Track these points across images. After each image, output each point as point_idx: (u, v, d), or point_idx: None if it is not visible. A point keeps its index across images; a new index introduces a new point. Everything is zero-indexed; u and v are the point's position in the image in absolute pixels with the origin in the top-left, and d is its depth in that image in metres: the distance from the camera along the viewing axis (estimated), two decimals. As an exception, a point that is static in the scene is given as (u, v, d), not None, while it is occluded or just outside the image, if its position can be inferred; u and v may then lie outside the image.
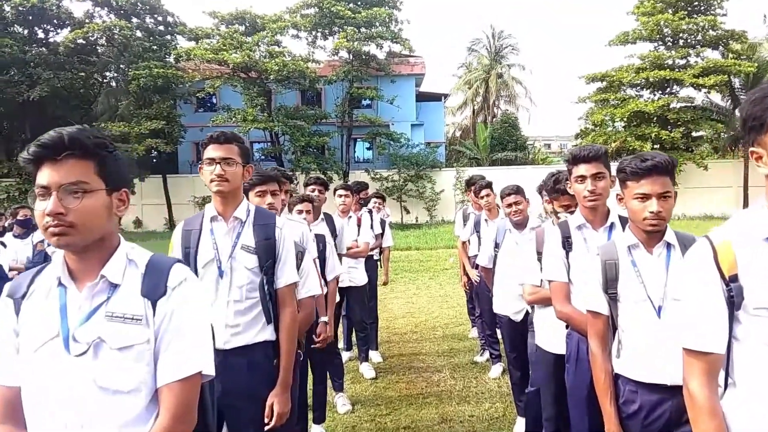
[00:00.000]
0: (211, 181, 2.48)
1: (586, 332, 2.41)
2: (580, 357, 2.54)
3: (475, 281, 5.65)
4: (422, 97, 32.23)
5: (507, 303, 4.08)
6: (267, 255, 2.52)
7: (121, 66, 29.00)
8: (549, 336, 3.02)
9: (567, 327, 2.67)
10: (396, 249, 16.92)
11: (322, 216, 4.59)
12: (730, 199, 26.98)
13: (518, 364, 4.15)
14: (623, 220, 2.65)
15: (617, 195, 2.29)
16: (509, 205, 4.13)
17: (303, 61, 26.13)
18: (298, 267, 2.84)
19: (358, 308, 5.42)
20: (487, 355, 5.89)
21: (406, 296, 9.70)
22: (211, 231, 2.56)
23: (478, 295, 5.68)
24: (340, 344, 5.94)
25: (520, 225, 4.12)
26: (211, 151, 2.49)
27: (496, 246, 4.23)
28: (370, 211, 6.19)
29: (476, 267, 5.69)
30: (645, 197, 2.11)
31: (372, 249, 6.03)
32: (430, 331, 7.06)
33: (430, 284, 10.96)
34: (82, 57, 30.17)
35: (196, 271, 2.48)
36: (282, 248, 2.57)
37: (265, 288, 2.51)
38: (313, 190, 4.51)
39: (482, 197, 5.45)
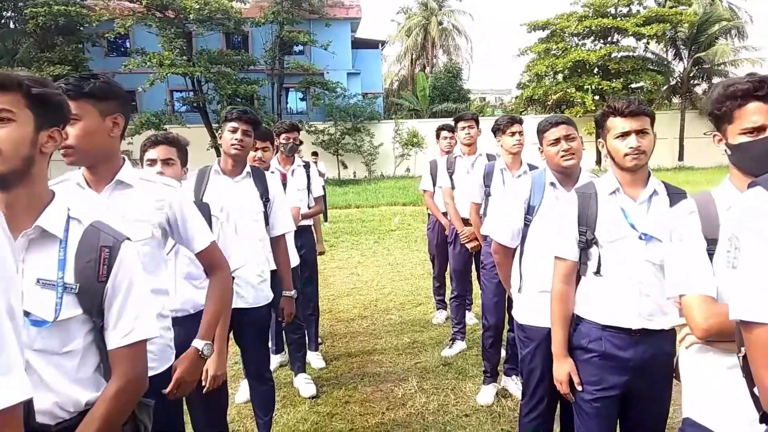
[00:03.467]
0: None
1: None
2: None
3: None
4: (358, 44, 30.28)
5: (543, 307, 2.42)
6: None
7: (20, 4, 25.50)
8: (716, 406, 1.57)
9: (762, 414, 1.25)
10: (335, 207, 15.47)
11: (248, 169, 3.04)
12: (666, 152, 27.03)
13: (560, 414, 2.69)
14: None
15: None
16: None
17: (227, 0, 23.60)
18: (103, 273, 1.41)
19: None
20: (458, 346, 4.60)
21: (349, 266, 8.28)
22: None
23: (484, 282, 3.94)
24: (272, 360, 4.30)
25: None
26: None
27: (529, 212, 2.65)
28: (306, 165, 4.59)
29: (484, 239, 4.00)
30: None
31: (308, 216, 4.50)
32: (383, 315, 5.66)
33: (376, 249, 9.59)
34: (-28, -7, 26.51)
35: None
36: None
37: None
38: (234, 130, 2.90)
39: (514, 133, 3.84)
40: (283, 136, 4.28)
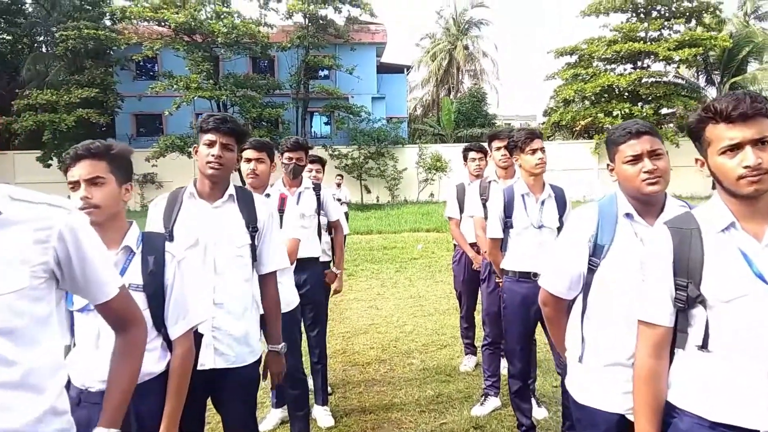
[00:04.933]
0: None
1: None
2: None
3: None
4: (384, 69, 30.24)
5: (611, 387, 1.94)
6: None
7: (52, 28, 26.07)
8: None
9: None
10: (356, 233, 15.01)
11: (231, 192, 2.43)
12: (699, 179, 26.09)
13: None
14: None
15: None
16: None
17: (254, 24, 23.77)
18: None
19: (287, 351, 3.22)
20: (491, 404, 3.99)
21: (368, 297, 7.77)
22: None
23: (505, 325, 3.44)
24: (264, 410, 3.88)
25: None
26: None
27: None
28: (316, 187, 3.94)
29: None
30: None
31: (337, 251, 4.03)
32: (403, 359, 5.05)
33: (398, 279, 9.06)
34: (8, 18, 27.24)
35: None
36: None
37: None
38: (211, 143, 2.33)
39: (534, 151, 3.25)
40: (285, 155, 3.64)
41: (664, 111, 27.60)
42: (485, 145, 4.51)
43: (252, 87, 24.25)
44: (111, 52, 25.52)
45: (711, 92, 28.89)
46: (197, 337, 2.06)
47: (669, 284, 1.58)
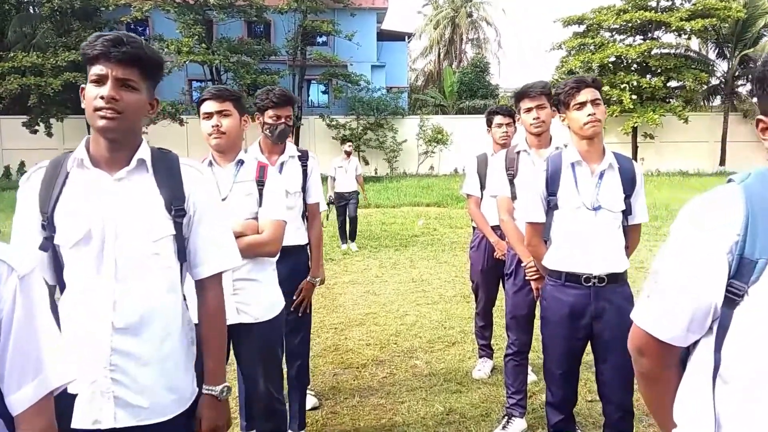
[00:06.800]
0: None
1: None
2: None
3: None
4: (384, 36, 29.14)
5: None
6: None
7: (39, -12, 24.97)
8: None
9: None
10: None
11: (142, 155, 1.58)
12: (705, 156, 25.44)
13: None
14: None
15: None
16: None
17: (249, -14, 22.69)
18: None
19: (262, 370, 2.41)
20: (517, 427, 3.27)
21: (365, 280, 7.08)
22: None
23: (547, 341, 2.67)
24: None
25: None
26: None
27: None
28: (303, 155, 3.09)
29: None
30: None
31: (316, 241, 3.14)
32: (405, 360, 4.34)
33: (398, 259, 8.37)
34: (-8, -23, 26.09)
35: None
36: None
37: None
38: (99, 79, 1.46)
39: (582, 105, 2.44)
40: (270, 113, 2.82)
41: (672, 84, 26.75)
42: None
43: (246, 52, 23.27)
44: (99, 14, 24.49)
45: (722, 65, 27.96)
46: (67, 399, 1.31)
47: None
